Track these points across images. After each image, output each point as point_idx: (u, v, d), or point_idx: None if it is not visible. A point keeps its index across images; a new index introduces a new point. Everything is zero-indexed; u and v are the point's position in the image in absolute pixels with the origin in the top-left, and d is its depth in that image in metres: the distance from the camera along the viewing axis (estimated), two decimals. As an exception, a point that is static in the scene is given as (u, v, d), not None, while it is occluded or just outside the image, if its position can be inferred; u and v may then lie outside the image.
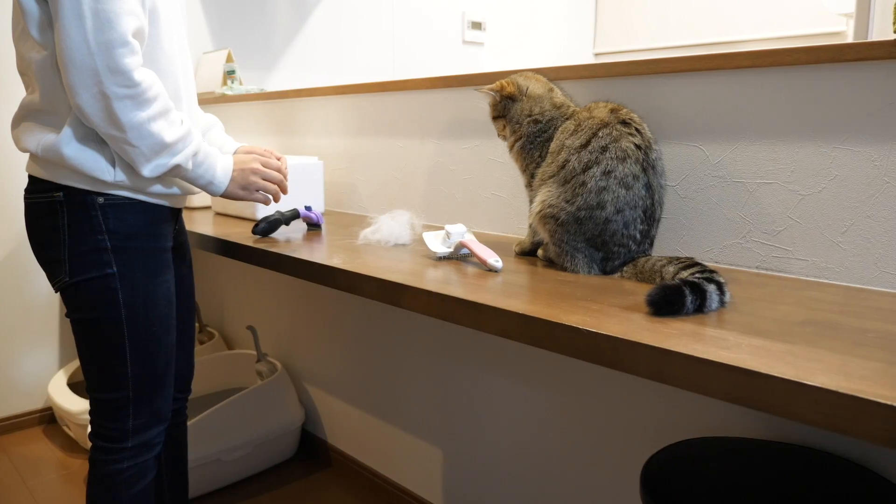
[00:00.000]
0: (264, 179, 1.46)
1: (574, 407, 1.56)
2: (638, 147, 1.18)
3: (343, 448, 2.32)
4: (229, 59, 2.79)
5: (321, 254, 1.44)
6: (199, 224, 1.88)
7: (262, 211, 1.87)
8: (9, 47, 2.35)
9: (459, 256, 1.39)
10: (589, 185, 1.18)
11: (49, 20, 1.18)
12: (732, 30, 3.98)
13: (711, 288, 0.99)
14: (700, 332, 0.88)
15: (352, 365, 2.22)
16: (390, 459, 2.13)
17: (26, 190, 1.32)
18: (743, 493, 1.03)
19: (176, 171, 1.29)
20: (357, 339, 2.17)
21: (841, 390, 0.68)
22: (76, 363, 2.70)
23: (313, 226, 1.80)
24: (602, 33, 4.62)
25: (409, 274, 1.23)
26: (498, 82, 1.37)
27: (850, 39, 3.16)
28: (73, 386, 2.56)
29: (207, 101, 2.70)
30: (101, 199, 1.26)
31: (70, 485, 2.26)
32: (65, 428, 2.57)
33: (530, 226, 1.34)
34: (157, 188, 1.32)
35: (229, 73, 2.75)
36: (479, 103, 1.70)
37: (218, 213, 2.11)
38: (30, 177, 1.31)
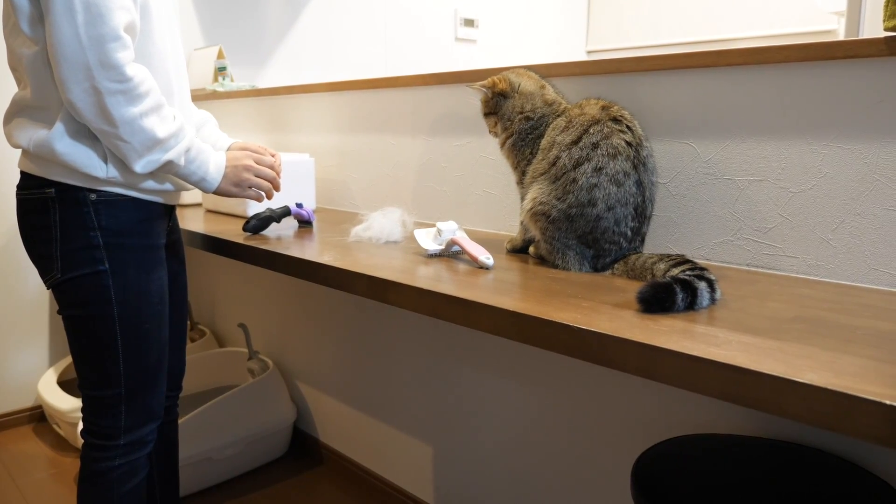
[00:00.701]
0: (257, 176, 1.45)
1: (565, 404, 1.56)
2: (629, 144, 1.18)
3: (334, 446, 2.32)
4: (220, 55, 2.77)
5: (312, 251, 1.43)
6: (190, 221, 1.87)
7: (253, 208, 1.86)
8: (-3, 43, 2.33)
9: (451, 254, 1.39)
10: (580, 182, 1.18)
11: (40, 15, 1.17)
12: (724, 28, 3.99)
13: (702, 285, 0.99)
14: (690, 329, 0.88)
15: (343, 363, 2.21)
16: (382, 457, 2.13)
17: (18, 186, 1.31)
18: (733, 489, 1.04)
19: (168, 168, 1.29)
20: (349, 337, 2.17)
21: (830, 387, 0.68)
22: (67, 361, 2.68)
23: (304, 223, 1.79)
24: (594, 31, 4.63)
25: (401, 271, 1.23)
26: (490, 79, 1.37)
27: (841, 38, 3.17)
28: (64, 384, 2.55)
29: (198, 97, 2.68)
30: (93, 196, 1.26)
31: (60, 483, 2.25)
32: (55, 426, 2.56)
33: (521, 223, 1.34)
34: (150, 185, 1.32)
35: (220, 70, 2.74)
36: (471, 100, 1.70)
37: (209, 211, 2.10)
38: (22, 173, 1.30)
